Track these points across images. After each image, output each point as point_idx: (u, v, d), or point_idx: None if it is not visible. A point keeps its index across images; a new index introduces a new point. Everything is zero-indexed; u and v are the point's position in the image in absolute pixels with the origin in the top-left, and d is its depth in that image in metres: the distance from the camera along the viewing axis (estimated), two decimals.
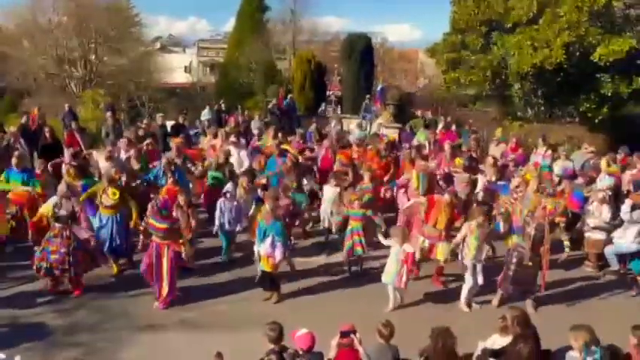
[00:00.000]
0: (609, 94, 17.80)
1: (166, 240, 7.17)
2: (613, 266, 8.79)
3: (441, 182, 9.93)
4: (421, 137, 14.73)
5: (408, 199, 9.29)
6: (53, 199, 7.72)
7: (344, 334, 4.84)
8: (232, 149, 11.15)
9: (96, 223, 8.14)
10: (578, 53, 17.57)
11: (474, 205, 8.38)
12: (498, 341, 5.35)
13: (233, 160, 10.88)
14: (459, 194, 8.82)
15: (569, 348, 4.87)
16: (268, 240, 7.19)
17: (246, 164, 11.17)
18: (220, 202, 8.62)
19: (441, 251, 7.94)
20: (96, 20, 24.79)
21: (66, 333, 6.67)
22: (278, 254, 7.23)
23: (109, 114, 14.35)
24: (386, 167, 10.85)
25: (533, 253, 7.21)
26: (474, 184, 9.81)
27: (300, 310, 7.33)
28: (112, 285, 7.94)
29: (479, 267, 7.37)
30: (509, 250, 7.60)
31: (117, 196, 8.03)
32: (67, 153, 11.44)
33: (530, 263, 7.24)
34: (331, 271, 8.63)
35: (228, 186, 8.87)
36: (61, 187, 7.80)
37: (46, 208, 7.77)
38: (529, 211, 7.70)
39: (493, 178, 9.97)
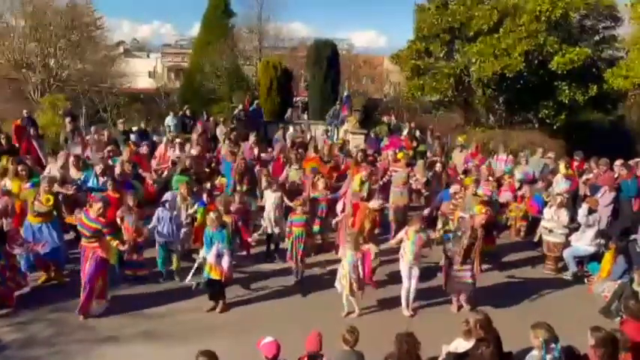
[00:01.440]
0: (566, 101, 18.43)
1: (93, 243, 6.97)
2: (571, 268, 9.05)
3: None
4: (386, 143, 14.92)
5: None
6: None
7: (311, 359, 4.77)
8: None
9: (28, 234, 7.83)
10: (536, 61, 18.18)
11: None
12: (462, 345, 5.39)
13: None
14: (397, 194, 9.10)
15: (530, 350, 4.96)
16: (214, 249, 7.05)
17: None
18: (159, 211, 8.21)
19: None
20: (55, 24, 24.09)
21: (21, 347, 6.41)
22: (225, 264, 7.08)
23: (68, 120, 13.99)
24: (329, 172, 10.97)
25: (464, 258, 7.30)
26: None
27: (260, 318, 7.27)
28: (69, 297, 7.51)
29: (414, 271, 7.39)
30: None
31: (51, 202, 7.85)
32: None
33: (461, 267, 7.34)
34: (286, 277, 8.53)
35: (167, 195, 8.52)
36: None
37: None
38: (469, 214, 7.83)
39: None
